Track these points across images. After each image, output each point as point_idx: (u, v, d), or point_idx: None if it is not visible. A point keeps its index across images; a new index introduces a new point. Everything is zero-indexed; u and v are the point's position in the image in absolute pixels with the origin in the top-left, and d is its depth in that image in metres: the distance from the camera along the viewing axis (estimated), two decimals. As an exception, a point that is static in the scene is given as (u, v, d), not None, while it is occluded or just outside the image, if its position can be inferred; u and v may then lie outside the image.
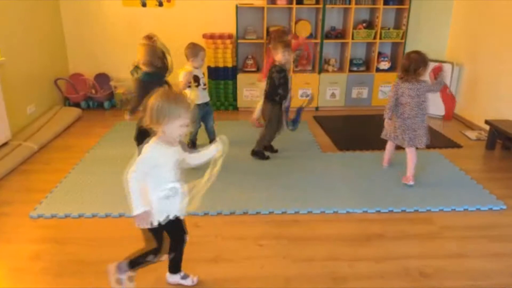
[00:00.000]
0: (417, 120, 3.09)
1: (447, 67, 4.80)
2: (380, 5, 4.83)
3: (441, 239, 2.54)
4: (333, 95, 5.12)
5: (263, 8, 4.84)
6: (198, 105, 3.72)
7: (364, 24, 5.04)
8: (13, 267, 2.27)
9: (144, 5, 5.02)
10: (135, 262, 1.98)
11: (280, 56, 3.41)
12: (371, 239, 2.53)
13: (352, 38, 4.95)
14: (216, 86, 5.03)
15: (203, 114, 3.80)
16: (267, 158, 3.68)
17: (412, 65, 3.01)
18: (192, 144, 3.86)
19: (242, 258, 2.35)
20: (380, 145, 3.95)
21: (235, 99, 5.10)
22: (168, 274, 2.14)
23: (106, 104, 5.05)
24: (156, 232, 1.91)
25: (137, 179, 1.77)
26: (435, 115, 4.99)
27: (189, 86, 3.55)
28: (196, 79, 3.58)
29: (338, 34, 5.09)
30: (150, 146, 1.82)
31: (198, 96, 3.61)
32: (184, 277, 2.13)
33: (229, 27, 5.01)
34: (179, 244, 2.04)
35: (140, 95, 2.81)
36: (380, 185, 3.20)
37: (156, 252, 1.96)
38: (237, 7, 4.81)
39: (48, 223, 2.67)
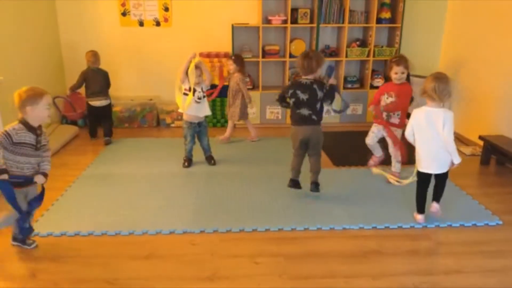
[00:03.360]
0: None
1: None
2: (373, 24, 4.94)
3: (437, 255, 2.55)
4: (328, 111, 5.16)
5: (258, 27, 4.93)
6: (190, 123, 3.77)
7: (357, 42, 5.13)
8: (9, 286, 2.25)
9: (141, 24, 5.11)
10: None
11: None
12: (368, 255, 2.53)
13: (346, 56, 5.04)
14: (212, 103, 5.07)
15: (197, 133, 3.84)
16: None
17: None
18: (188, 161, 3.87)
19: (238, 276, 2.34)
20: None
21: (231, 117, 5.14)
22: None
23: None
24: None
25: None
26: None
27: (185, 94, 3.70)
28: (193, 90, 3.67)
29: (332, 52, 5.18)
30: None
31: (191, 107, 3.69)
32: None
33: (225, 46, 5.09)
34: None
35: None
36: (376, 201, 3.21)
37: None
38: (233, 26, 4.90)
39: (44, 241, 2.65)
